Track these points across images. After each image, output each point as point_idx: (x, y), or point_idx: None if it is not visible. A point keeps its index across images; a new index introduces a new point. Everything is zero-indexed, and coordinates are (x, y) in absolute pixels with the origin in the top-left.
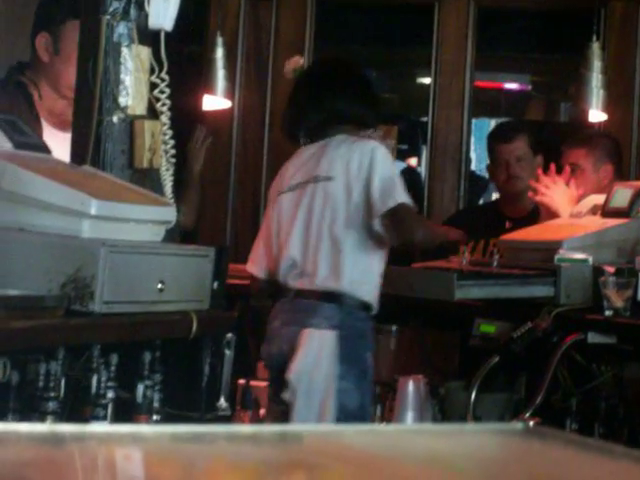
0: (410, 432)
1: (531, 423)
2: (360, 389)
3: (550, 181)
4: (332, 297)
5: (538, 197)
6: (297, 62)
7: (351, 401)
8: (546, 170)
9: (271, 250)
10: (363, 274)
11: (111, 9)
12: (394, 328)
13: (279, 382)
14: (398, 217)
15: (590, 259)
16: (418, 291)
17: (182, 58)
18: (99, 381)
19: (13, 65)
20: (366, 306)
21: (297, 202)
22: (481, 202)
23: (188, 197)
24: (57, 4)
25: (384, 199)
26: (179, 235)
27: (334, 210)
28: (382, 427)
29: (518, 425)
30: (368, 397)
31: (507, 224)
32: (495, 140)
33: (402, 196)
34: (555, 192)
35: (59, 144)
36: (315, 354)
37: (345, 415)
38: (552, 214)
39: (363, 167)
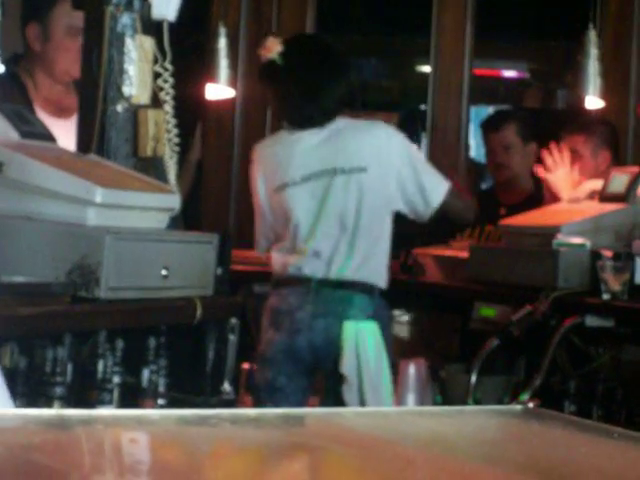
0: (411, 414)
1: (530, 405)
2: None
3: (556, 161)
4: (364, 288)
5: (544, 173)
6: (276, 45)
7: None
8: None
9: (282, 240)
10: (384, 264)
11: (115, 0)
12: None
13: (299, 373)
14: (452, 205)
15: (588, 243)
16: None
17: (185, 48)
18: (105, 366)
19: (9, 57)
20: (384, 294)
21: (322, 193)
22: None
23: (181, 180)
24: None
25: (435, 190)
26: (183, 221)
27: (372, 202)
28: (384, 409)
29: (517, 407)
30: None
31: (502, 210)
32: (485, 129)
33: (445, 181)
34: (558, 174)
35: (57, 131)
36: (374, 347)
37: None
38: (554, 196)
39: (393, 154)
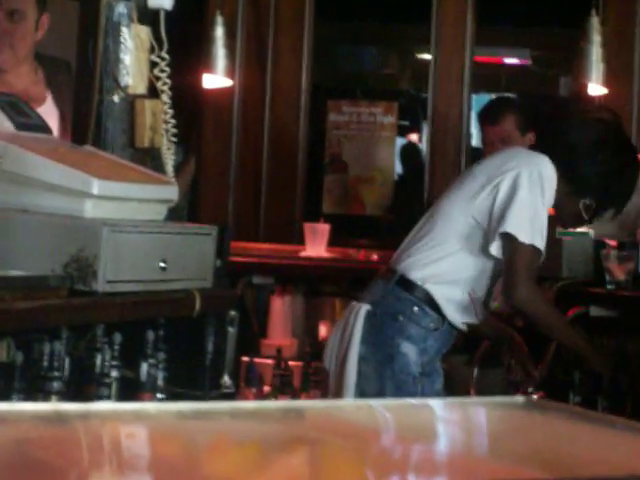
0: (413, 406)
1: (534, 397)
2: (381, 376)
3: None
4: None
5: None
6: None
7: (369, 388)
8: None
9: None
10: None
11: None
12: None
13: None
14: None
15: (591, 232)
16: None
17: (182, 37)
18: (103, 360)
19: None
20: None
21: None
22: None
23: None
24: None
25: None
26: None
27: None
28: (384, 401)
29: (520, 398)
30: (391, 387)
31: None
32: (481, 120)
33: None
34: None
35: None
36: (342, 330)
37: None
38: None
39: None
